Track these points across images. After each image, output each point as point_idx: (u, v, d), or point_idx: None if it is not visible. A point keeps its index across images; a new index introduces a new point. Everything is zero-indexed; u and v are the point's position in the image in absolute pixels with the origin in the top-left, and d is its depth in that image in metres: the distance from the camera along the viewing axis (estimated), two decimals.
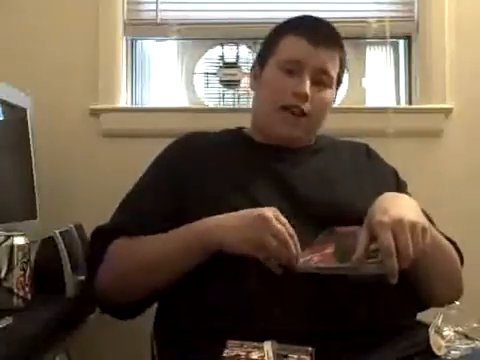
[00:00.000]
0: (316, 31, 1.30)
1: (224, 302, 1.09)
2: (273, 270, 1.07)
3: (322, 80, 1.28)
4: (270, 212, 1.08)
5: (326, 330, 1.05)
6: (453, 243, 1.28)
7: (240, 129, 1.41)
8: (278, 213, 1.09)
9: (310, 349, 0.92)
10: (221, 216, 1.13)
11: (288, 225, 1.08)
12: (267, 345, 0.91)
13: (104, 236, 1.22)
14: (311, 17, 1.35)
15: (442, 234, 1.27)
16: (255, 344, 0.92)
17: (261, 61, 1.35)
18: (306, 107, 1.26)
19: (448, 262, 1.22)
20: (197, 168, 1.26)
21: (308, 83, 1.25)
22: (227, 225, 1.10)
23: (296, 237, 1.08)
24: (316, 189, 1.23)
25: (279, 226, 1.06)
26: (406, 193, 1.36)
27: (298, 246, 1.08)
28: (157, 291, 1.17)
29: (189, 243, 1.13)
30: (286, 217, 1.11)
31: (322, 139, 1.40)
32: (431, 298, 1.22)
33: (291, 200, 1.19)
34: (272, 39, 1.34)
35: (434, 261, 1.15)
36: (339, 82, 1.36)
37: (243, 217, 1.10)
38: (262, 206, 1.12)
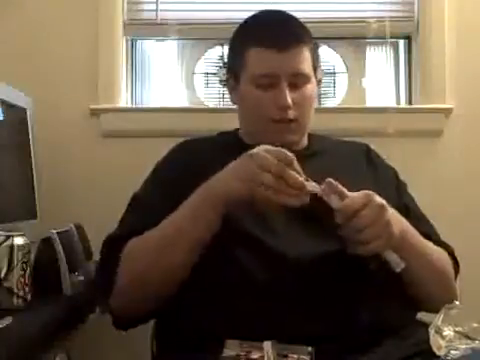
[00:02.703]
0: (278, 34, 1.26)
1: (224, 303, 1.09)
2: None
3: (299, 82, 1.27)
4: (258, 150, 1.05)
5: (326, 331, 1.05)
6: (449, 251, 1.27)
7: (237, 131, 1.40)
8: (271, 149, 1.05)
9: (310, 349, 0.92)
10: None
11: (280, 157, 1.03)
12: (267, 345, 0.91)
13: (115, 243, 1.18)
14: (269, 16, 1.33)
15: (438, 242, 1.25)
16: (255, 344, 0.92)
17: (233, 75, 1.33)
18: (291, 114, 1.26)
19: (436, 273, 1.20)
20: (195, 176, 1.24)
21: (287, 93, 1.24)
22: (221, 177, 1.09)
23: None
24: None
25: (266, 158, 1.03)
26: (406, 194, 1.36)
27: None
28: (176, 281, 1.12)
29: (195, 207, 1.10)
30: (284, 220, 1.11)
31: (317, 141, 1.37)
32: (422, 305, 1.22)
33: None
34: (237, 51, 1.31)
35: (419, 272, 1.15)
36: (317, 67, 1.33)
37: (234, 163, 1.09)
38: (261, 210, 1.11)
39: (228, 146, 1.34)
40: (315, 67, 1.32)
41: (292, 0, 1.84)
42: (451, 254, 1.27)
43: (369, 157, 1.37)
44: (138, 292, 1.14)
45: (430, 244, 1.22)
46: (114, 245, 1.18)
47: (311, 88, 1.29)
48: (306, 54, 1.27)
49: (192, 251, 1.11)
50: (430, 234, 1.25)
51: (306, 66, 1.27)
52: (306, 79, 1.28)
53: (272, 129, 1.27)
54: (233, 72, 1.33)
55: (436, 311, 1.01)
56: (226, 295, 1.09)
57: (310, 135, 1.38)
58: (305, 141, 1.36)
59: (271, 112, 1.26)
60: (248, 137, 1.35)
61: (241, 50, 1.29)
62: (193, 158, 1.30)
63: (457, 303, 1.01)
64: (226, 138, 1.38)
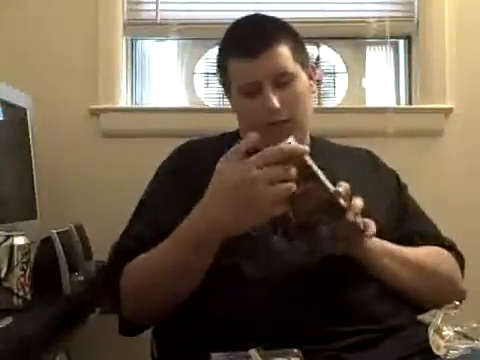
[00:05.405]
0: (249, 42, 1.24)
1: (221, 306, 1.09)
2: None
3: (283, 80, 1.24)
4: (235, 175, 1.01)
5: (325, 331, 1.05)
6: (451, 246, 1.27)
7: (239, 131, 1.40)
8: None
9: (295, 351, 0.90)
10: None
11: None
12: (253, 352, 0.89)
13: (124, 256, 1.18)
14: (242, 24, 1.31)
15: (437, 238, 1.25)
16: (241, 353, 0.90)
17: (223, 85, 1.33)
18: (283, 115, 1.23)
19: (432, 277, 1.19)
20: (197, 177, 1.23)
21: (271, 96, 1.21)
22: (223, 211, 1.02)
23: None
24: None
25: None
26: (406, 195, 1.36)
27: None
28: (183, 297, 1.13)
29: (197, 239, 1.06)
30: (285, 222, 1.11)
31: (318, 144, 1.35)
32: (423, 306, 1.21)
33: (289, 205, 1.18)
34: (220, 64, 1.31)
35: (410, 281, 1.16)
36: (304, 61, 1.29)
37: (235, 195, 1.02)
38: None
39: (231, 147, 1.33)
40: (302, 62, 1.28)
41: (292, 0, 1.84)
42: (453, 248, 1.27)
43: (369, 159, 1.37)
44: (144, 307, 1.15)
45: (420, 251, 1.21)
46: (123, 258, 1.17)
47: (299, 84, 1.26)
48: (283, 52, 1.24)
49: (197, 278, 1.09)
50: (427, 231, 1.25)
51: (286, 64, 1.24)
52: (290, 76, 1.25)
53: (268, 133, 1.24)
54: (223, 83, 1.33)
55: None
56: (223, 299, 1.09)
57: (312, 139, 1.36)
58: (307, 142, 1.35)
59: (263, 117, 1.24)
60: None
61: (222, 63, 1.29)
62: (196, 160, 1.29)
63: (457, 303, 1.02)
64: (229, 139, 1.37)
